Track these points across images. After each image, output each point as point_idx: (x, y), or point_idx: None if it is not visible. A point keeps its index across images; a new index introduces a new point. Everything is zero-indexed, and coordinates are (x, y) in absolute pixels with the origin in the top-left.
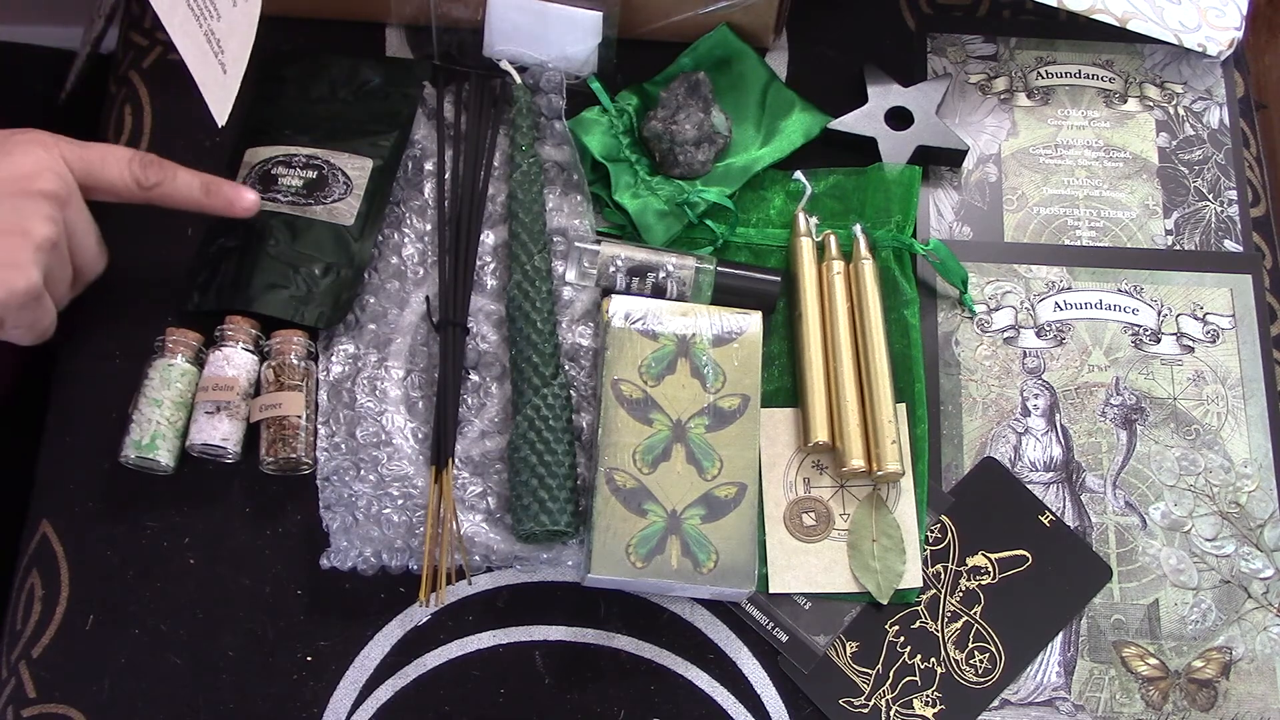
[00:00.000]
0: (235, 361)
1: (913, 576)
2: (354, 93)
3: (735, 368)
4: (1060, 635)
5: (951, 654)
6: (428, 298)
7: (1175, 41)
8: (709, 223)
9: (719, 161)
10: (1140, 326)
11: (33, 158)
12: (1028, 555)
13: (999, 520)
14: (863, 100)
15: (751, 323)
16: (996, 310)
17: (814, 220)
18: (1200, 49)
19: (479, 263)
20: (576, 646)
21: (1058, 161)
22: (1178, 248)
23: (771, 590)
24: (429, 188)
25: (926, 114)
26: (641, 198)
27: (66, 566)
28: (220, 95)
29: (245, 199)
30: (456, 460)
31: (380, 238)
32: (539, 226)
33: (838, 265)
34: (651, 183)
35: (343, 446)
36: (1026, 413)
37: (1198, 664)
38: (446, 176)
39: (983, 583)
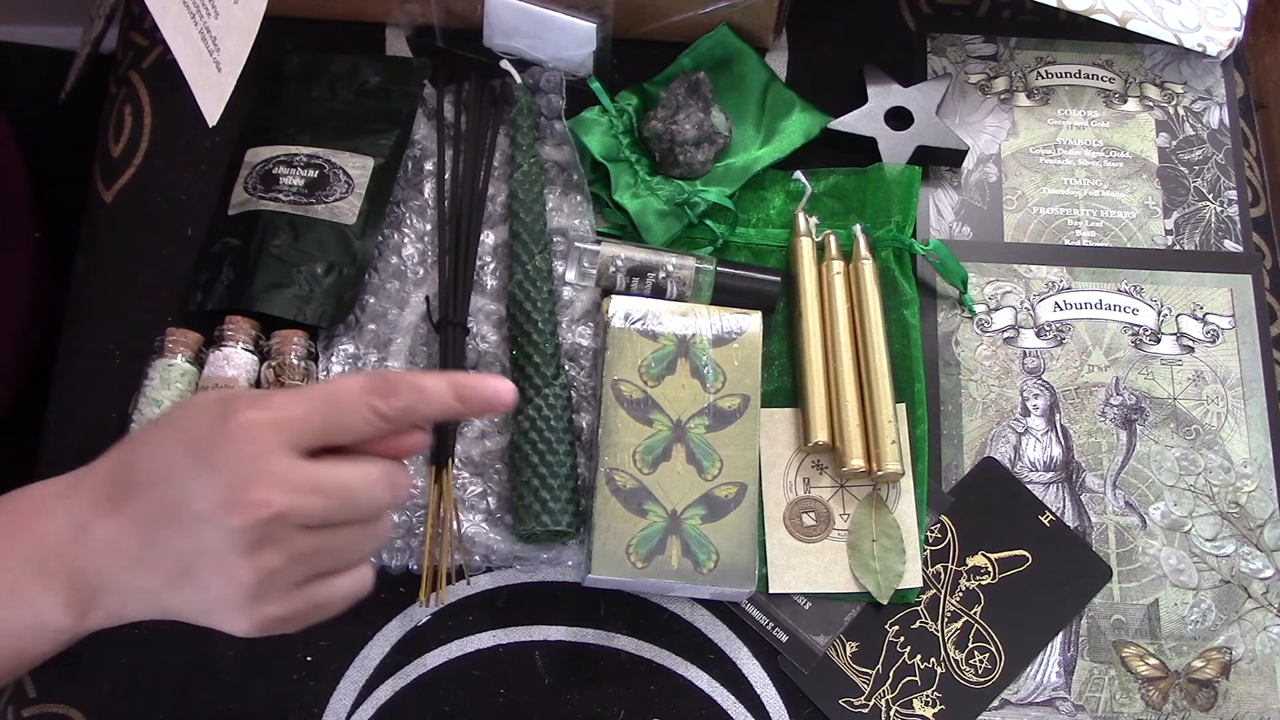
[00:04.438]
0: (235, 361)
1: (913, 576)
2: (354, 92)
3: (735, 368)
4: (1060, 635)
5: (951, 654)
6: (428, 298)
7: (1175, 41)
8: (709, 223)
9: (719, 161)
10: (1140, 326)
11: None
12: (1028, 555)
13: (999, 520)
14: (863, 100)
15: (751, 323)
16: (996, 310)
17: (814, 220)
18: (1200, 49)
19: (479, 263)
20: (576, 646)
21: (1058, 161)
22: (1178, 248)
23: (771, 590)
24: (429, 188)
25: (926, 114)
26: (641, 198)
27: None
28: (212, 95)
29: (505, 395)
30: (456, 460)
31: (380, 238)
32: (539, 226)
33: (838, 265)
34: (651, 183)
35: None
36: (1026, 413)
37: (1198, 664)
38: (446, 176)
39: (983, 583)
